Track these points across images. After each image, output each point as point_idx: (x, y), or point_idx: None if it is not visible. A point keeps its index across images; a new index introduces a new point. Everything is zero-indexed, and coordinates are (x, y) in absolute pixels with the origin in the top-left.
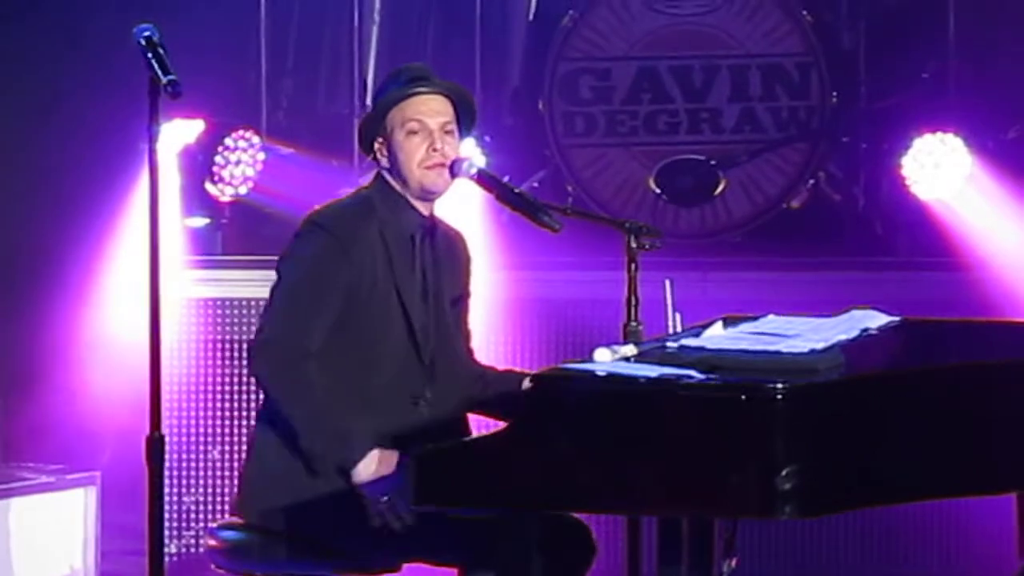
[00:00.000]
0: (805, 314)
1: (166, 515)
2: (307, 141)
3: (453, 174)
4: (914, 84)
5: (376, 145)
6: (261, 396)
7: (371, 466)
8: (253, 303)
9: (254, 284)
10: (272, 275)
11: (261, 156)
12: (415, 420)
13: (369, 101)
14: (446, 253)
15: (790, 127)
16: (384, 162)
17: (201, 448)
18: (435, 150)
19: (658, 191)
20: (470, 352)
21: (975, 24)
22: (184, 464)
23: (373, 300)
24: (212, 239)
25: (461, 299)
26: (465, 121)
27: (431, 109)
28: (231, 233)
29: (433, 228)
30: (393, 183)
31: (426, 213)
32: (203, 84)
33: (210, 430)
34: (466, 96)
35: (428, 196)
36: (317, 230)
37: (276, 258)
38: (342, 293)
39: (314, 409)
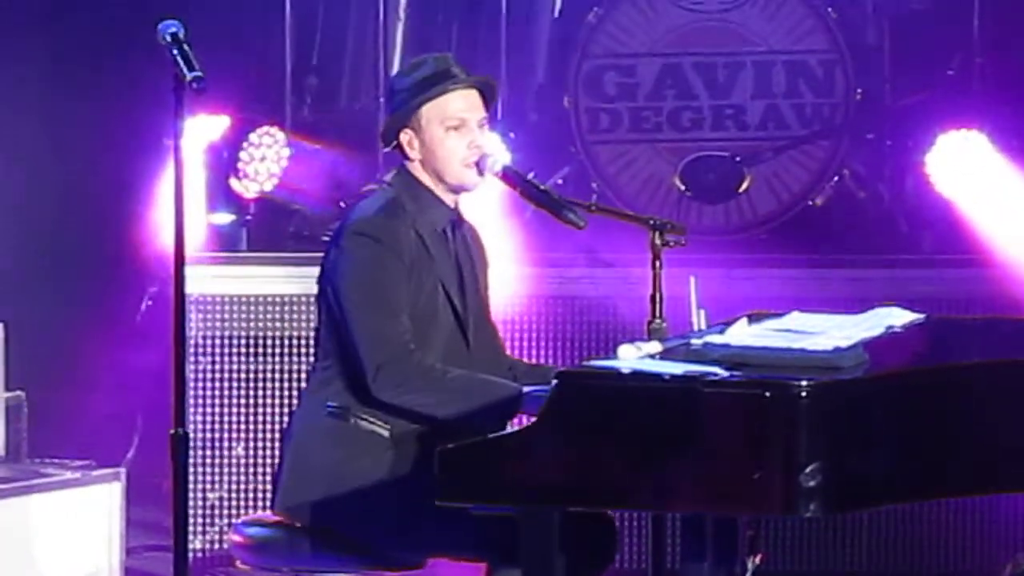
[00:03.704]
0: (829, 311)
1: (190, 511)
2: (332, 137)
3: (480, 171)
4: (939, 81)
5: (404, 138)
6: (290, 392)
7: None
8: (278, 299)
9: (279, 280)
10: (296, 272)
11: (286, 152)
12: None
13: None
14: (472, 243)
15: (814, 124)
16: (414, 155)
17: (225, 444)
18: (477, 147)
19: (682, 188)
20: (501, 342)
21: (1000, 21)
22: (208, 460)
23: (420, 294)
24: (237, 235)
25: (486, 287)
26: (490, 109)
27: (470, 105)
28: (256, 229)
29: (459, 220)
30: (419, 177)
31: (453, 206)
32: (228, 80)
33: (234, 426)
34: (493, 86)
35: (462, 191)
36: (361, 238)
37: (301, 255)
38: (406, 286)
39: (456, 393)
